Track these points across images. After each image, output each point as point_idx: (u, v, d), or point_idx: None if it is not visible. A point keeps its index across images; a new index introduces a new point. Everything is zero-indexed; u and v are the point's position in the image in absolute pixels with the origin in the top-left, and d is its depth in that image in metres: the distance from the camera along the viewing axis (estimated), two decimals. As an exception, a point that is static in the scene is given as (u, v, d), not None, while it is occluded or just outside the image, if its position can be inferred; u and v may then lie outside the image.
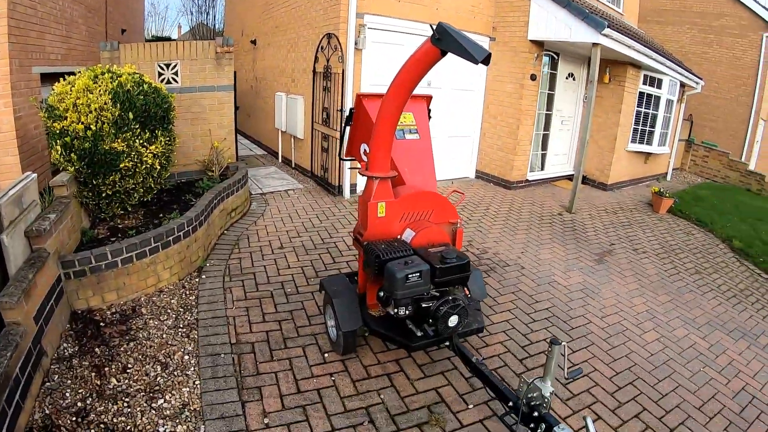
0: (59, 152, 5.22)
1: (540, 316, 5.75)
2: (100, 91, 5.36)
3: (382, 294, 3.83)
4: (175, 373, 4.20)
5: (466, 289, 4.39)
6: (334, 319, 4.40)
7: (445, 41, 3.12)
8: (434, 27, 3.20)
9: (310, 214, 8.24)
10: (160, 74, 7.42)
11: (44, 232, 4.30)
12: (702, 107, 21.18)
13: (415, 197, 4.25)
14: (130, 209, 6.00)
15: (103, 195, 5.58)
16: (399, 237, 4.21)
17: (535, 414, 3.06)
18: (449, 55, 3.20)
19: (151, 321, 4.90)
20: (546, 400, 3.13)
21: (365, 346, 4.77)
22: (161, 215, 6.21)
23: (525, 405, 3.13)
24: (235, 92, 8.44)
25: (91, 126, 5.21)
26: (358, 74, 8.77)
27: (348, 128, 5.03)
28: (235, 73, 8.33)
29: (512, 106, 11.03)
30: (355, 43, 8.60)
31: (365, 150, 4.83)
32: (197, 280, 5.77)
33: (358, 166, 5.00)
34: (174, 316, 5.03)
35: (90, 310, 4.90)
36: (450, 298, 3.78)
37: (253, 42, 13.30)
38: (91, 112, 5.23)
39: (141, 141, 5.63)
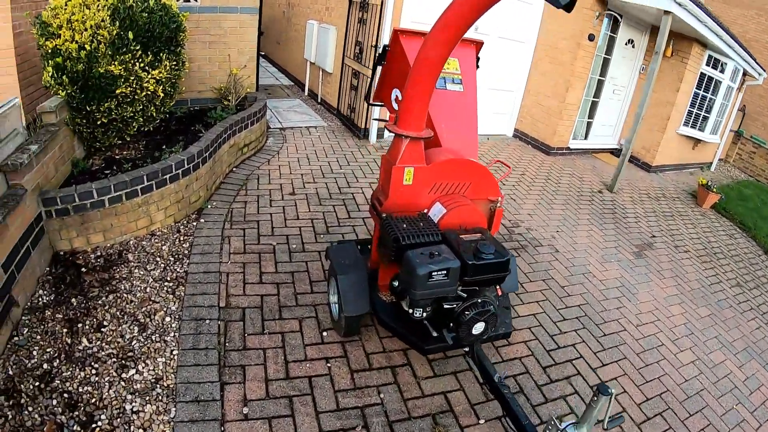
0: (50, 74, 4.61)
1: (571, 314, 5.10)
2: (98, 6, 4.69)
3: (396, 284, 3.16)
4: (153, 337, 3.69)
5: (498, 287, 3.68)
6: (338, 298, 3.75)
7: None
8: None
9: (330, 157, 7.57)
10: None
11: (21, 167, 3.75)
12: (758, 100, 19.53)
13: (452, 165, 3.48)
14: (128, 139, 5.38)
15: (98, 123, 4.97)
16: (425, 212, 3.48)
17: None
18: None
19: (136, 270, 4.38)
20: (575, 451, 2.51)
21: (371, 327, 4.18)
22: (164, 146, 5.63)
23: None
24: (261, 15, 7.70)
25: (86, 46, 4.57)
26: (399, 7, 7.92)
27: (380, 68, 4.29)
28: None
29: (564, 66, 10.04)
30: (399, -27, 7.71)
31: (397, 97, 4.08)
32: (194, 224, 5.21)
33: (386, 118, 4.21)
34: (162, 266, 4.50)
35: (73, 252, 4.41)
36: (479, 301, 3.11)
37: (288, -36, 12.44)
38: (86, 29, 4.58)
39: (142, 64, 4.97)
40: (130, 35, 4.75)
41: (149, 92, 5.09)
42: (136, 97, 4.99)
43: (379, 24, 7.77)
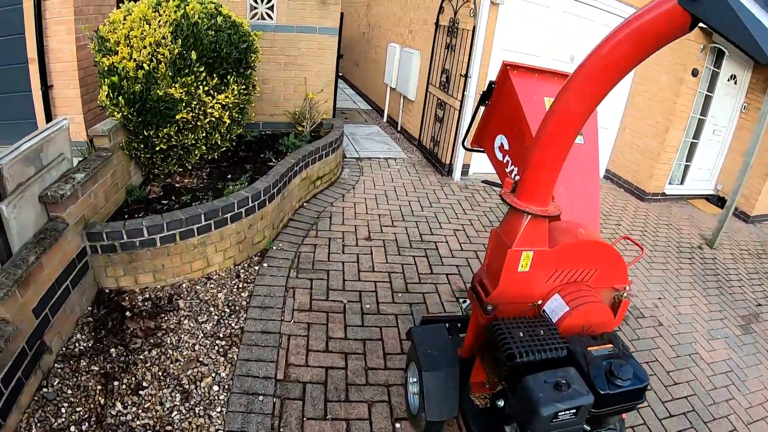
0: (106, 93, 4.21)
1: (677, 409, 4.25)
2: (160, 21, 4.21)
3: (501, 404, 2.44)
4: (197, 410, 3.15)
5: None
6: (419, 391, 3.04)
7: (708, 5, 1.63)
8: None
9: (410, 196, 6.91)
10: (252, 7, 6.33)
11: (62, 199, 3.38)
12: None
13: (580, 249, 2.69)
14: (189, 167, 4.89)
15: (157, 149, 4.49)
16: (540, 304, 2.72)
17: None
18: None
19: (186, 321, 3.88)
20: None
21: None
22: (229, 176, 5.17)
23: None
24: (340, 37, 7.22)
25: (144, 65, 4.11)
26: (491, 34, 7.24)
27: (482, 108, 3.57)
28: (342, 14, 7.12)
29: (664, 103, 9.09)
30: (492, -5, 7.05)
31: (502, 145, 3.38)
32: (257, 268, 4.65)
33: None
34: (216, 318, 3.96)
35: (119, 292, 4.01)
36: (602, 432, 2.35)
37: (370, -16, 12.16)
38: (145, 47, 4.11)
39: (206, 88, 4.44)
40: (193, 55, 4.25)
41: (213, 119, 4.57)
42: (198, 123, 4.49)
43: (469, 51, 7.11)
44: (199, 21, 4.31)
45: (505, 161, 3.35)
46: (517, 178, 2.59)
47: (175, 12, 4.24)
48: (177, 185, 4.89)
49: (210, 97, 4.46)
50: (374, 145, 8.76)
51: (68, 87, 5.64)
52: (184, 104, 4.27)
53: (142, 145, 4.43)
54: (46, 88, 5.53)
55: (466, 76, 7.14)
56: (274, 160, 5.60)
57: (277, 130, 6.92)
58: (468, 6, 7.11)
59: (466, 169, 7.96)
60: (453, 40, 7.57)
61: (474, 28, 7.00)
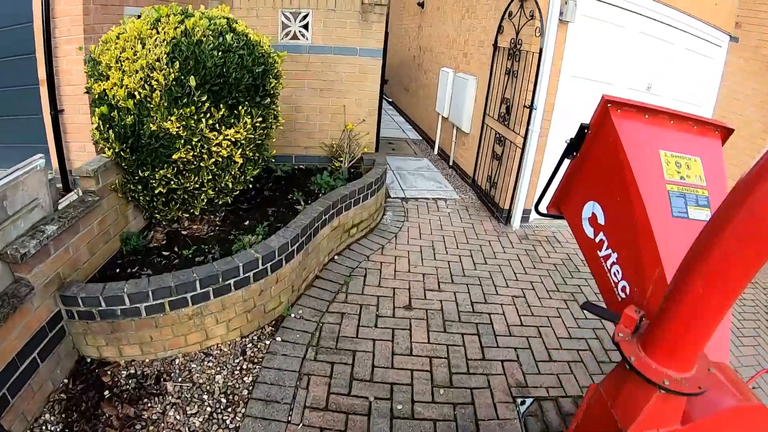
0: (96, 125, 3.54)
1: None
2: (156, 40, 3.44)
3: None
4: None
5: None
6: None
7: None
8: None
9: (461, 248, 5.93)
10: (284, 26, 5.65)
11: (23, 259, 2.81)
12: None
13: (725, 422, 1.61)
14: (197, 213, 4.08)
15: (156, 192, 3.75)
16: None
17: None
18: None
19: (172, 411, 3.13)
20: None
21: None
22: (247, 222, 4.44)
23: None
24: (385, 59, 6.43)
25: (136, 92, 3.36)
26: (559, 58, 6.32)
27: (567, 161, 2.58)
28: (387, 34, 6.32)
29: (749, 141, 7.90)
30: (560, 13, 6.07)
31: (593, 216, 2.41)
32: (268, 342, 3.82)
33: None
34: (208, 410, 3.17)
35: (102, 363, 3.41)
36: None
37: (421, 4, 11.43)
38: (136, 71, 3.37)
39: (210, 121, 3.60)
40: (192, 81, 3.42)
41: (221, 158, 3.77)
42: (201, 164, 3.69)
43: (535, 77, 6.17)
44: (203, 39, 3.50)
45: (597, 240, 2.34)
46: (626, 288, 1.64)
47: (175, 29, 3.45)
48: (184, 232, 4.15)
49: (215, 133, 3.63)
50: (422, 182, 7.93)
51: (78, 112, 5.09)
52: (182, 141, 3.47)
53: (139, 187, 3.71)
54: (56, 112, 4.98)
55: (531, 107, 6.18)
56: (302, 203, 4.81)
57: (312, 164, 6.22)
58: (533, 25, 6.19)
59: (526, 215, 6.96)
60: (514, 64, 6.66)
61: (541, 50, 6.06)
